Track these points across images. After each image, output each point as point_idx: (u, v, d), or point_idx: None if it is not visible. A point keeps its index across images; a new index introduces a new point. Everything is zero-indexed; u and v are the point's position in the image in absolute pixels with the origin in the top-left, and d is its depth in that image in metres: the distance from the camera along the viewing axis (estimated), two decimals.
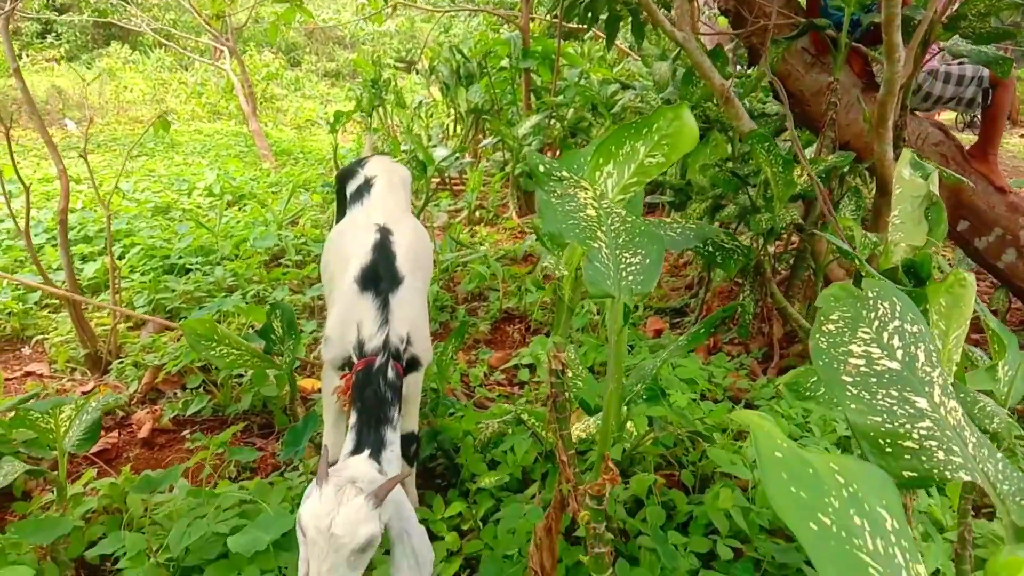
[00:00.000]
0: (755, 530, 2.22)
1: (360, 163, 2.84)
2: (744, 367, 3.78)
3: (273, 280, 4.68)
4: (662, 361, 1.91)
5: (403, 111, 9.19)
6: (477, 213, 7.00)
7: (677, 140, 1.54)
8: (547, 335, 4.04)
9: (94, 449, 2.87)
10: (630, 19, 5.32)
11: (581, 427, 2.41)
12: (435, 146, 6.45)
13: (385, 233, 2.30)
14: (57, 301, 4.14)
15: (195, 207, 6.55)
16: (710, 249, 2.63)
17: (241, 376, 3.28)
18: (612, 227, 1.32)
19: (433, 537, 2.31)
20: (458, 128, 9.22)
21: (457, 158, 5.53)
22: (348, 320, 2.13)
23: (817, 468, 0.74)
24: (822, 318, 1.07)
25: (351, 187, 2.73)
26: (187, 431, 3.05)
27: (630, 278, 1.29)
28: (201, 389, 3.29)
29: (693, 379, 3.30)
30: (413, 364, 2.18)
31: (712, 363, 3.70)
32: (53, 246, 4.91)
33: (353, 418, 1.95)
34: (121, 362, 3.48)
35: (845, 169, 3.86)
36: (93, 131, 10.26)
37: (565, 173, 1.39)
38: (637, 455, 2.47)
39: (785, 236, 4.69)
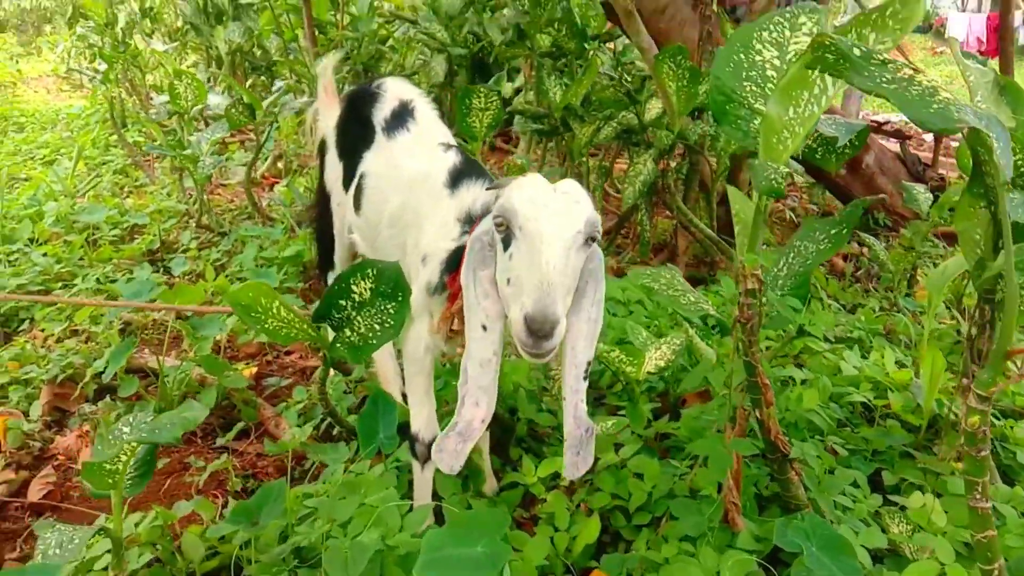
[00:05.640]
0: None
1: (377, 86, 2.47)
2: None
3: (103, 260, 3.90)
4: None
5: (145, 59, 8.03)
6: (279, 164, 6.37)
7: (908, 21, 1.47)
8: None
9: (36, 496, 2.21)
10: None
11: (657, 356, 2.31)
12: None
13: (459, 150, 2.04)
14: None
15: None
16: None
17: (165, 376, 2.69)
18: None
19: (535, 501, 2.10)
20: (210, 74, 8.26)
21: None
22: (448, 223, 1.88)
23: None
24: None
25: (380, 113, 2.36)
26: None
27: None
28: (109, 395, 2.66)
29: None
30: None
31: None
32: None
33: None
34: None
35: None
36: None
37: (886, 55, 1.25)
38: None
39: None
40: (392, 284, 1.75)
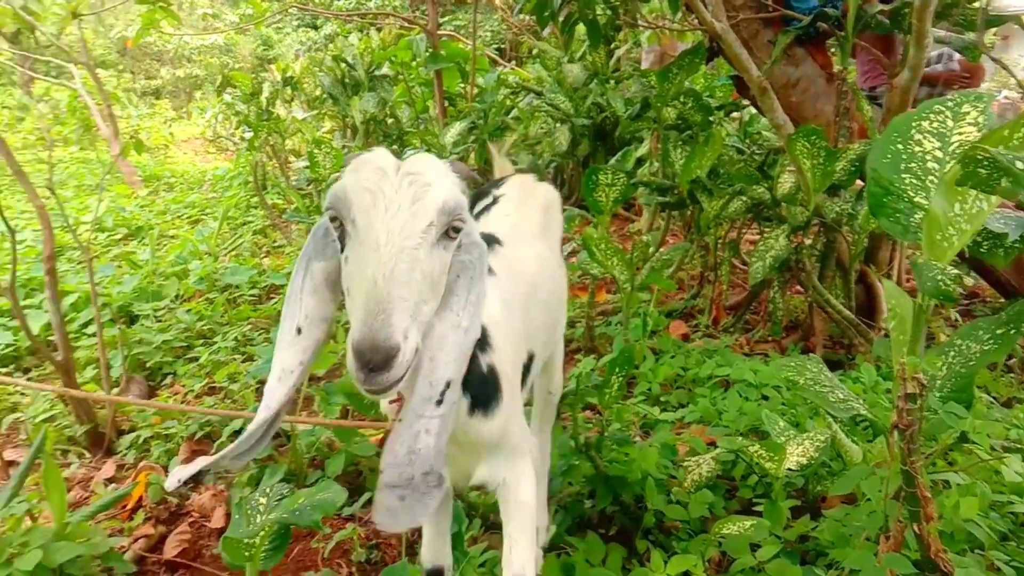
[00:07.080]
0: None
1: (497, 183, 2.36)
2: None
3: (241, 319, 4.09)
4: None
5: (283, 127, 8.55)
6: None
7: None
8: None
9: (172, 552, 2.29)
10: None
11: (798, 453, 2.19)
12: None
13: (491, 240, 1.81)
14: None
15: (89, 243, 5.67)
16: None
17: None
18: None
19: None
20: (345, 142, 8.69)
21: None
22: None
23: None
24: None
25: (476, 209, 2.26)
26: None
27: None
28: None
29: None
30: None
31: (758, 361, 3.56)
32: None
33: None
34: (138, 436, 2.84)
35: None
36: None
37: None
38: None
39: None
40: None
